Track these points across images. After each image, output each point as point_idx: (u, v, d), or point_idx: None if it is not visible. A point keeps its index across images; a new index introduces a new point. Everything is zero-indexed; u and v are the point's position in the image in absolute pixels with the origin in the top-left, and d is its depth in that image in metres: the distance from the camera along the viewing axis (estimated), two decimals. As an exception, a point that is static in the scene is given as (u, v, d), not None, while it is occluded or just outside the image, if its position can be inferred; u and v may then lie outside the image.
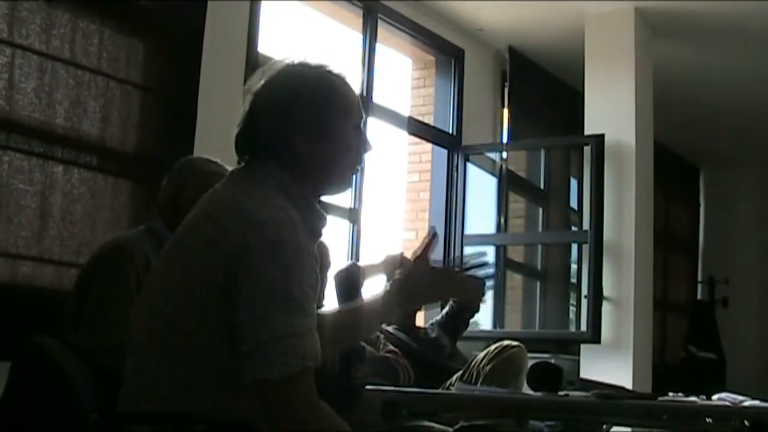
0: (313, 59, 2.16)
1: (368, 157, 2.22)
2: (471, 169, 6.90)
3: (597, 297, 6.23)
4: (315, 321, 1.88)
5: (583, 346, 6.35)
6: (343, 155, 2.12)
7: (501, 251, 6.96)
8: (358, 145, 2.16)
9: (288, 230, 1.86)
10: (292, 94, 2.07)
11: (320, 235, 2.16)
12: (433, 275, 2.46)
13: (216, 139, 4.49)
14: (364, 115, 2.21)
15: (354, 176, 2.22)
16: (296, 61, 2.14)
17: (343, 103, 2.12)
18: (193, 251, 1.92)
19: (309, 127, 2.05)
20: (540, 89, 7.57)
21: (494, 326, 6.71)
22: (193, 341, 1.86)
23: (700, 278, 10.38)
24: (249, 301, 1.80)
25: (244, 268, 1.82)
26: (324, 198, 2.18)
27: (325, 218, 2.14)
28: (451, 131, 6.89)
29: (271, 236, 1.83)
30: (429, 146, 6.97)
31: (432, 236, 2.50)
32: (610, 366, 6.00)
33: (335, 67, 2.16)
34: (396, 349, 4.24)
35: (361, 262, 4.87)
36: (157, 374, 1.88)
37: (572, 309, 7.32)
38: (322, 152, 2.07)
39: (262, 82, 2.10)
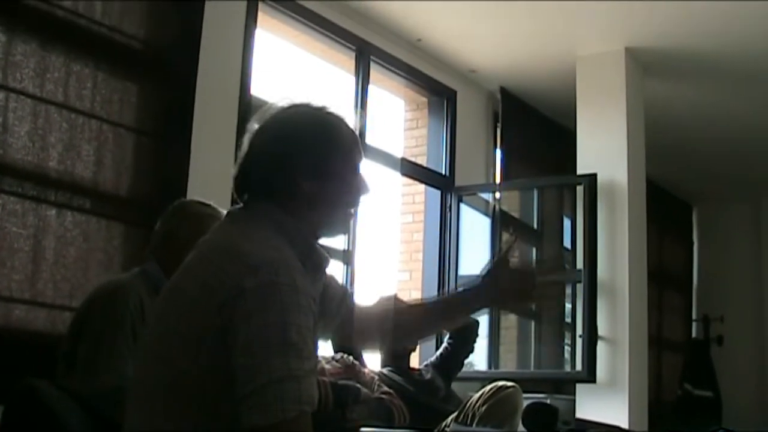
0: (313, 100, 2.16)
1: (365, 199, 2.21)
2: (464, 209, 6.91)
3: (592, 336, 6.21)
4: (313, 362, 1.87)
5: (578, 386, 6.33)
6: (341, 196, 2.13)
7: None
8: (357, 186, 2.17)
9: (284, 272, 1.85)
10: (291, 135, 2.08)
11: (324, 274, 2.17)
12: (516, 275, 2.53)
13: (209, 182, 4.53)
14: (363, 157, 2.20)
15: (351, 219, 2.21)
16: (295, 102, 2.15)
17: (341, 145, 2.13)
18: (190, 294, 1.91)
19: (307, 168, 2.05)
20: (532, 130, 7.60)
21: (489, 366, 6.69)
22: (190, 383, 1.85)
23: (694, 316, 10.36)
24: (245, 345, 1.79)
25: (240, 311, 1.80)
26: (321, 240, 2.18)
27: (328, 258, 2.15)
28: (444, 172, 6.91)
29: (267, 279, 1.82)
30: (422, 187, 6.98)
31: (513, 240, 2.57)
32: (606, 405, 5.98)
33: (335, 109, 2.16)
34: (391, 391, 4.22)
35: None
36: (154, 416, 1.88)
37: (567, 348, 7.29)
38: (320, 193, 2.07)
39: (261, 122, 2.11)
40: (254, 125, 2.11)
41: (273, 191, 2.05)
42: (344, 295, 2.40)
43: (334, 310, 2.33)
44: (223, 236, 2.03)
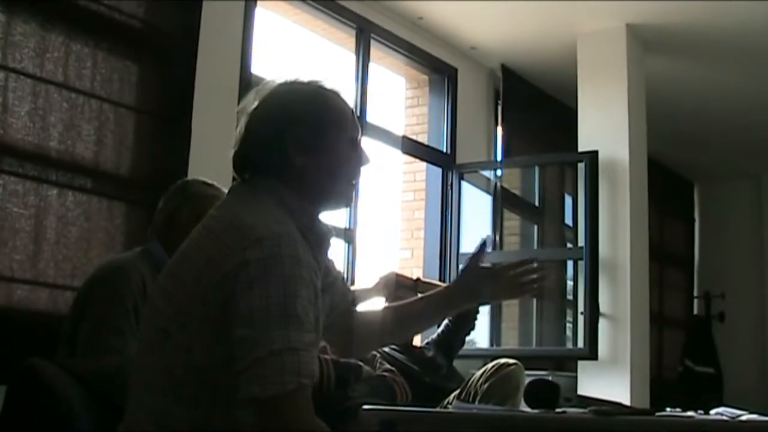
0: (306, 76, 2.19)
1: (365, 172, 2.25)
2: (465, 187, 6.91)
3: (593, 313, 6.22)
4: (314, 336, 1.87)
5: (580, 363, 6.35)
6: (338, 169, 2.14)
7: (496, 269, 6.92)
8: (355, 158, 2.18)
9: (286, 245, 1.86)
10: (286, 111, 2.10)
11: (328, 247, 2.18)
12: (488, 273, 2.56)
13: (210, 161, 4.52)
14: (360, 129, 2.23)
15: (353, 191, 2.22)
16: (289, 79, 2.17)
17: (336, 118, 2.15)
18: (194, 267, 1.92)
19: (303, 143, 2.07)
20: (533, 107, 7.58)
21: (491, 344, 6.70)
22: (190, 357, 1.85)
23: (696, 293, 10.36)
24: (245, 316, 1.79)
25: (242, 283, 1.81)
26: (323, 215, 2.18)
27: (331, 232, 2.17)
28: (445, 150, 6.90)
29: (269, 251, 1.83)
30: (423, 165, 6.98)
31: (482, 244, 2.59)
32: (608, 382, 6.00)
33: (328, 83, 2.19)
34: (393, 368, 4.23)
35: (355, 286, 4.85)
36: (156, 390, 1.88)
37: (569, 326, 7.31)
38: (317, 167, 2.09)
39: (257, 101, 2.12)
40: (249, 104, 2.12)
41: (271, 167, 2.07)
42: (344, 293, 2.41)
43: (334, 301, 2.34)
44: (226, 211, 2.04)
